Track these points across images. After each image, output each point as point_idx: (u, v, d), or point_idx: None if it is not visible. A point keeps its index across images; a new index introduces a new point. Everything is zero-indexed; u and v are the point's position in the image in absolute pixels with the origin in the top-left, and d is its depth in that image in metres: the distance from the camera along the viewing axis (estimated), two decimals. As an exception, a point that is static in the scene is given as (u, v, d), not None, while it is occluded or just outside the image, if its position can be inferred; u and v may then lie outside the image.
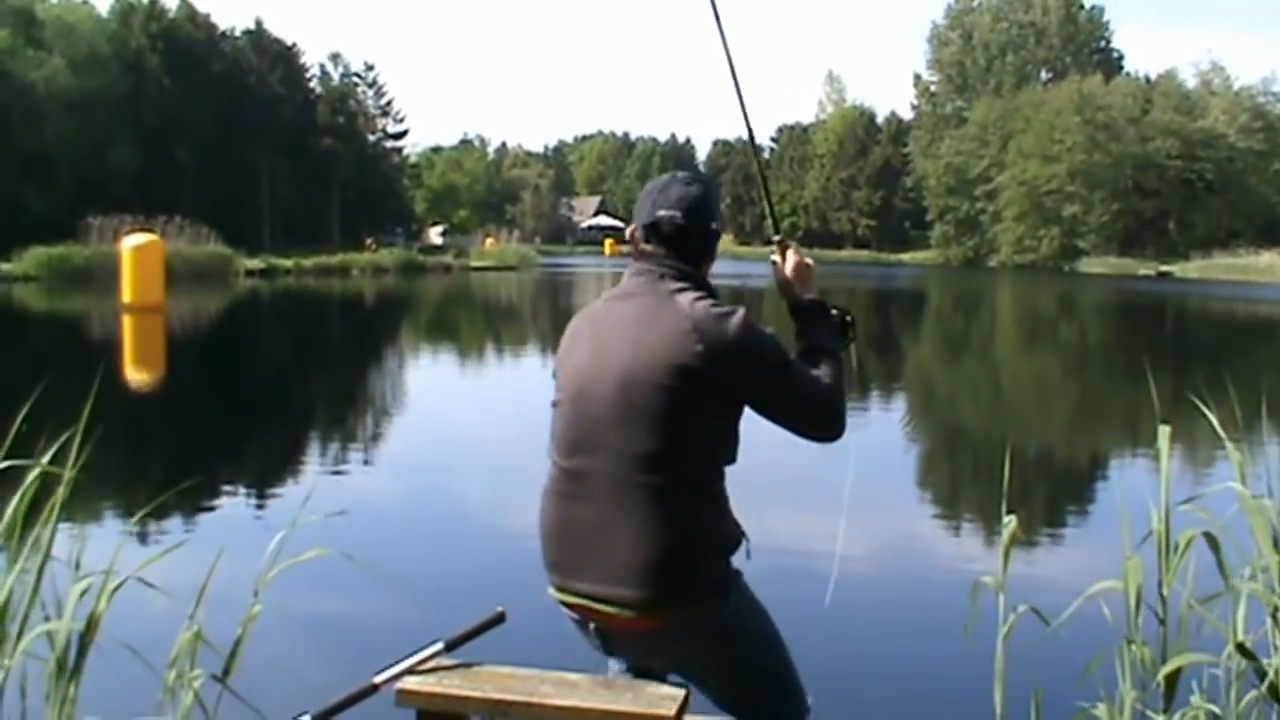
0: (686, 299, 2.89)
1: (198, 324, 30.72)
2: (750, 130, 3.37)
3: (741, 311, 2.90)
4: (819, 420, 3.02)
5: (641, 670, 3.16)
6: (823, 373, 3.02)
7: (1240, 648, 3.37)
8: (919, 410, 16.69)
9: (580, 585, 2.92)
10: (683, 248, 2.98)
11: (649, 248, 3.00)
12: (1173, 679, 3.47)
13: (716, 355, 2.82)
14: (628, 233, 3.11)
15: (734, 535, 2.98)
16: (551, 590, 3.03)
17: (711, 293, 2.98)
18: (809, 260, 3.28)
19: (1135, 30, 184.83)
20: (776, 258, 3.27)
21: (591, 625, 2.96)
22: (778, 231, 3.32)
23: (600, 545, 2.87)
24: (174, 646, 3.43)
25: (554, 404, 3.05)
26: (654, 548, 2.83)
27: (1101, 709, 3.62)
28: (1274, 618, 3.35)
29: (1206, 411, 3.94)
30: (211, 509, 8.70)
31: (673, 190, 3.02)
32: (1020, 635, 3.78)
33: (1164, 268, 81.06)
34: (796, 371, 2.97)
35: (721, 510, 2.97)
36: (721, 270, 3.04)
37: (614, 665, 3.26)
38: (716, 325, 2.84)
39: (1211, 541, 3.56)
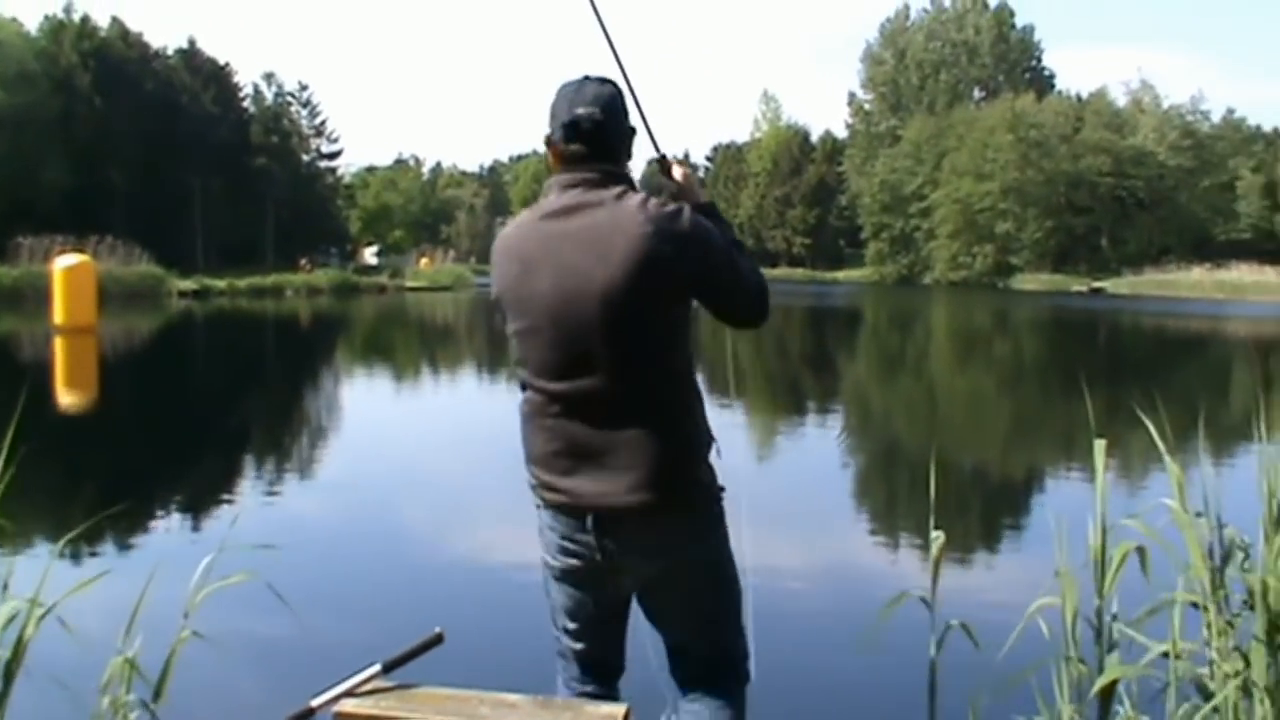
0: (634, 202, 2.93)
1: (130, 345, 30.33)
2: (614, 48, 3.30)
3: (686, 206, 3.01)
4: (756, 303, 3.15)
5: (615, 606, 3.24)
6: (746, 260, 3.13)
7: (1177, 657, 3.40)
8: (853, 427, 16.72)
9: (585, 500, 3.00)
10: (603, 145, 3.03)
11: (572, 148, 3.03)
12: (1108, 691, 3.49)
13: (681, 252, 2.91)
14: (544, 139, 3.13)
15: (711, 434, 3.11)
16: (545, 504, 3.11)
17: (645, 190, 3.05)
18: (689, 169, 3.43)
19: (1066, 51, 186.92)
20: (669, 176, 3.37)
21: (589, 517, 3.00)
22: (658, 150, 3.40)
23: (606, 458, 2.96)
24: (105, 672, 3.38)
25: (518, 332, 3.07)
26: (664, 449, 2.95)
27: (1039, 723, 3.63)
28: (1209, 627, 3.38)
29: (1149, 424, 3.97)
30: (144, 531, 8.58)
31: (588, 89, 3.05)
32: (957, 650, 3.80)
33: (1096, 284, 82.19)
34: (734, 258, 3.06)
35: (704, 405, 3.12)
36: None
37: (563, 689, 3.27)
38: (673, 223, 2.92)
39: (1143, 555, 3.60)
